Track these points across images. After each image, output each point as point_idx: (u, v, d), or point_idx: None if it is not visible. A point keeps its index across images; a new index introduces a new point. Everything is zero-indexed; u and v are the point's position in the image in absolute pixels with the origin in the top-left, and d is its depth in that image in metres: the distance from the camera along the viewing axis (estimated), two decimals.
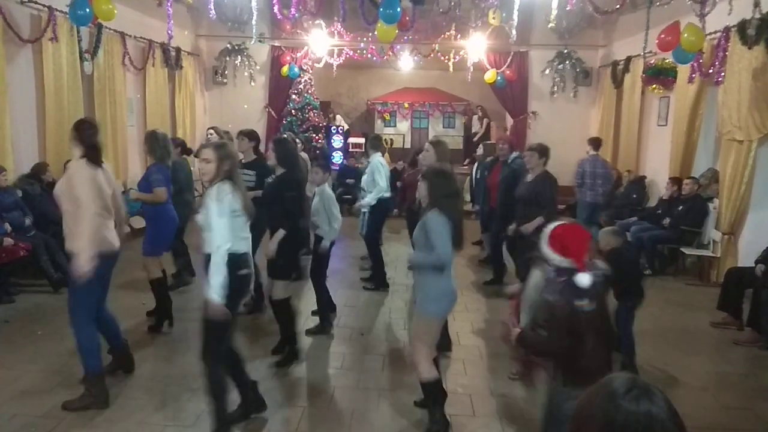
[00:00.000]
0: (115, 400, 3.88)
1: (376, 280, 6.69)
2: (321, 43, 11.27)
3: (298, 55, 12.05)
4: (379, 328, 5.46)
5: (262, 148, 6.20)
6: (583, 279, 2.54)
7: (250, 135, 5.73)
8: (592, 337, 2.55)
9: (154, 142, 5.24)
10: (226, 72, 12.30)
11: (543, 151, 5.63)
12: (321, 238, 5.10)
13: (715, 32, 6.89)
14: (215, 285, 3.14)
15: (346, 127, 14.12)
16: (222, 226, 3.17)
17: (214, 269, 3.15)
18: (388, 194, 6.65)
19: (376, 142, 7.14)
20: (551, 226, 2.80)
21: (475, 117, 14.92)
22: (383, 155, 6.91)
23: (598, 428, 1.12)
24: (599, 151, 8.58)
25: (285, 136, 5.97)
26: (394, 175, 10.31)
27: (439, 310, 3.54)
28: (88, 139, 3.75)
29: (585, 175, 8.28)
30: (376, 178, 6.45)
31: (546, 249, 2.73)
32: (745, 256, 6.54)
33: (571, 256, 2.63)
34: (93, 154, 3.73)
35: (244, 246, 3.37)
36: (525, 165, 6.42)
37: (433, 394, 3.56)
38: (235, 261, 3.23)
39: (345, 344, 5.09)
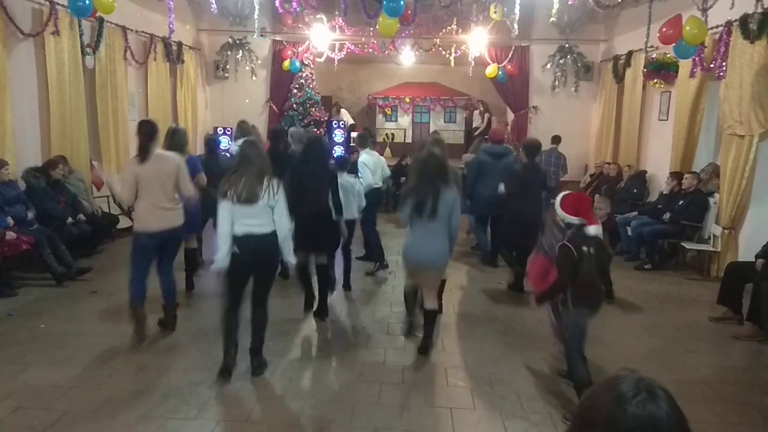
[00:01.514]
0: (117, 393, 3.92)
1: (377, 258, 7.16)
2: (322, 37, 11.26)
3: (300, 49, 12.04)
4: (382, 322, 5.47)
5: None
6: (594, 229, 3.71)
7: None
8: (589, 269, 3.64)
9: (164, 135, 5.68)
10: (227, 66, 12.30)
11: (524, 146, 6.68)
12: (348, 220, 5.85)
13: (717, 26, 6.88)
14: (218, 252, 4.09)
15: (351, 121, 14.02)
16: (219, 212, 4.08)
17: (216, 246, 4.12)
18: (377, 185, 7.19)
19: (361, 140, 7.65)
20: (561, 195, 3.90)
21: (477, 112, 14.90)
22: (372, 150, 7.47)
23: (602, 429, 1.14)
24: (558, 145, 10.06)
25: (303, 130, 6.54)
26: (398, 170, 10.40)
27: (404, 260, 4.87)
28: (139, 139, 4.63)
29: (542, 163, 9.36)
30: (362, 175, 6.91)
31: (560, 212, 3.83)
32: (746, 251, 6.56)
33: (581, 215, 3.75)
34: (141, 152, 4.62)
35: (243, 230, 4.08)
36: (488, 158, 7.39)
37: (432, 320, 4.80)
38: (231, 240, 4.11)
39: (346, 338, 5.12)
